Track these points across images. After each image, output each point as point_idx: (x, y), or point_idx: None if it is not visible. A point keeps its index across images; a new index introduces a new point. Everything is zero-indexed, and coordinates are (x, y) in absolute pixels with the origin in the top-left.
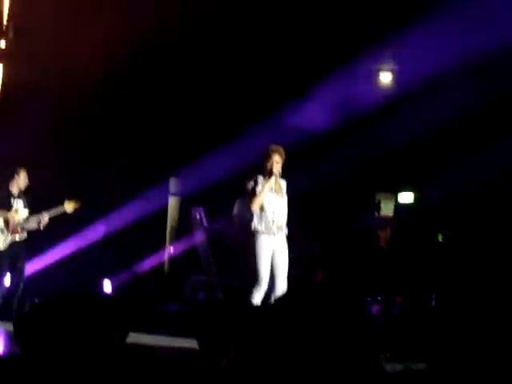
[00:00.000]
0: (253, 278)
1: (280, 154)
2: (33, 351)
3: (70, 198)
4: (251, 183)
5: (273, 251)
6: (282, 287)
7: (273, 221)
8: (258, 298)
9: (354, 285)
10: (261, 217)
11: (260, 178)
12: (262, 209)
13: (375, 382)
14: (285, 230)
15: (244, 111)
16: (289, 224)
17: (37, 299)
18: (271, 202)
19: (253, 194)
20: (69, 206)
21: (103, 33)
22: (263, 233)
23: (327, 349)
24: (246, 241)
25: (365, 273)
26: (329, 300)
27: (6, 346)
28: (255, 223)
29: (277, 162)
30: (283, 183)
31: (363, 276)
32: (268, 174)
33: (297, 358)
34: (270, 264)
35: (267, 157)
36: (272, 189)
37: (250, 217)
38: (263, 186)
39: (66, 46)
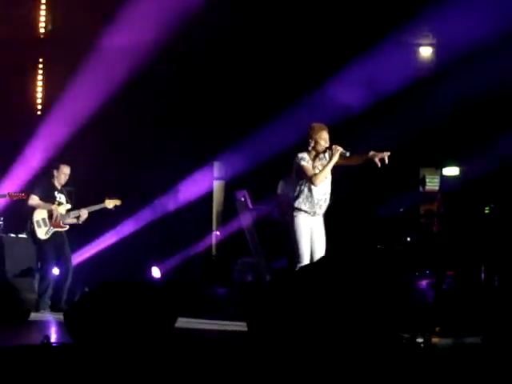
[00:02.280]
0: (295, 256)
1: (327, 132)
2: (84, 340)
3: (110, 196)
4: (303, 161)
5: (311, 229)
6: None
7: (317, 202)
8: None
9: (360, 254)
10: (307, 197)
11: (307, 156)
12: (310, 189)
13: (391, 350)
14: (324, 209)
15: (283, 90)
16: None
17: (87, 288)
18: (319, 184)
19: (310, 170)
20: (109, 203)
21: None
22: (305, 212)
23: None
24: (288, 218)
25: (369, 241)
26: (335, 273)
27: (57, 335)
28: (300, 201)
29: (325, 140)
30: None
31: (367, 245)
32: (316, 151)
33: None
34: (309, 241)
35: (315, 134)
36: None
37: (294, 194)
38: (311, 164)
39: None
